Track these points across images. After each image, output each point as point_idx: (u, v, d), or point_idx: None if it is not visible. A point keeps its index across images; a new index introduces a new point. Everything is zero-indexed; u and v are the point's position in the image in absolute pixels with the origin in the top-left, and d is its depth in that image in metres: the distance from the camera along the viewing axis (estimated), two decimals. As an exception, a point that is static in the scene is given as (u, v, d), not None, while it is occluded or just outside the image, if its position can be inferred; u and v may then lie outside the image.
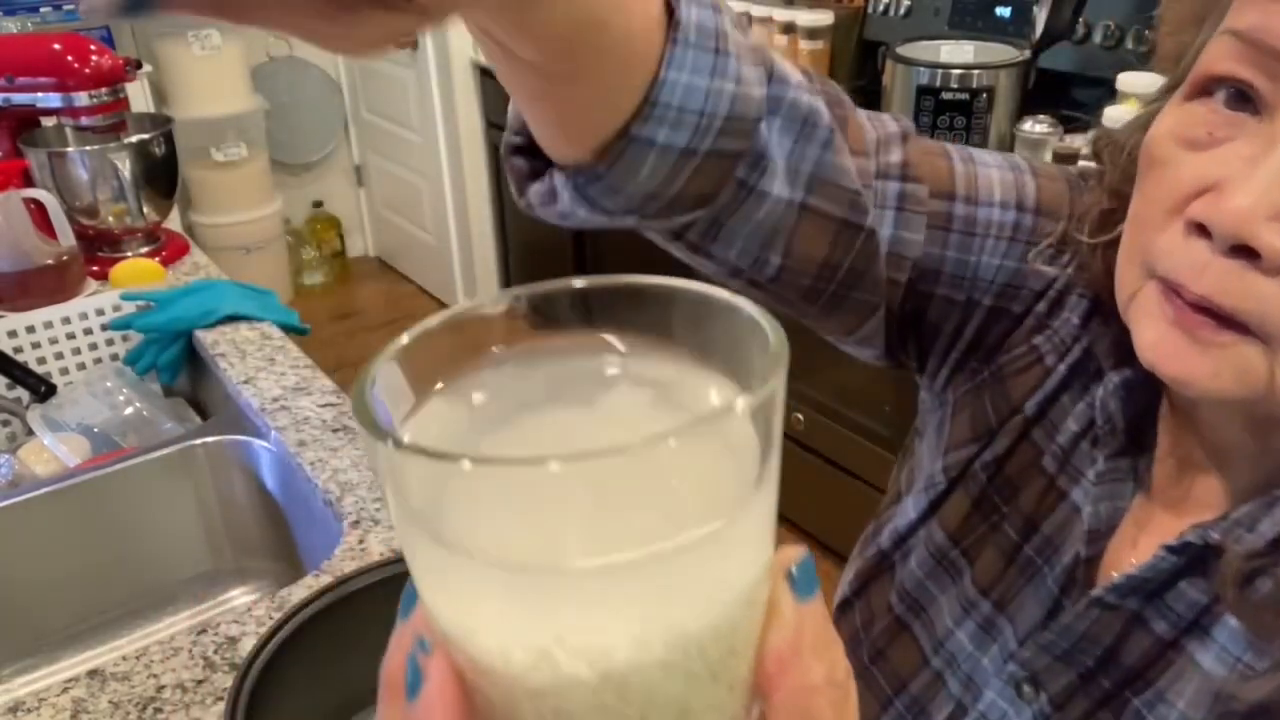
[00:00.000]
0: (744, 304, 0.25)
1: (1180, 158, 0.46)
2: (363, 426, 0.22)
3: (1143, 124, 0.51)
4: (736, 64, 0.45)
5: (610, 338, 0.27)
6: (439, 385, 0.26)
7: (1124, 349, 0.51)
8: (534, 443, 0.26)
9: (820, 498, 2.23)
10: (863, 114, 0.57)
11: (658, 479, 0.22)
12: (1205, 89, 0.46)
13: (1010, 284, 0.59)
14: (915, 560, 0.63)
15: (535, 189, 0.48)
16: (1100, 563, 0.55)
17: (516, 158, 0.49)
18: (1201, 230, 0.44)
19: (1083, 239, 0.55)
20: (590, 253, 2.91)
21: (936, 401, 0.66)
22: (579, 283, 0.26)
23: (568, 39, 0.38)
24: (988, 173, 0.59)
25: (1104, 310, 0.55)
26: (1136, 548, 0.54)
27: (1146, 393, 0.54)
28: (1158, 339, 0.46)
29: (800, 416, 2.16)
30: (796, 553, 0.26)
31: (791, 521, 2.35)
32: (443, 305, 3.48)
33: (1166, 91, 0.51)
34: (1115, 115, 1.75)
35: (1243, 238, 0.41)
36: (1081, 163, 0.62)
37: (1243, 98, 0.44)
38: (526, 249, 3.29)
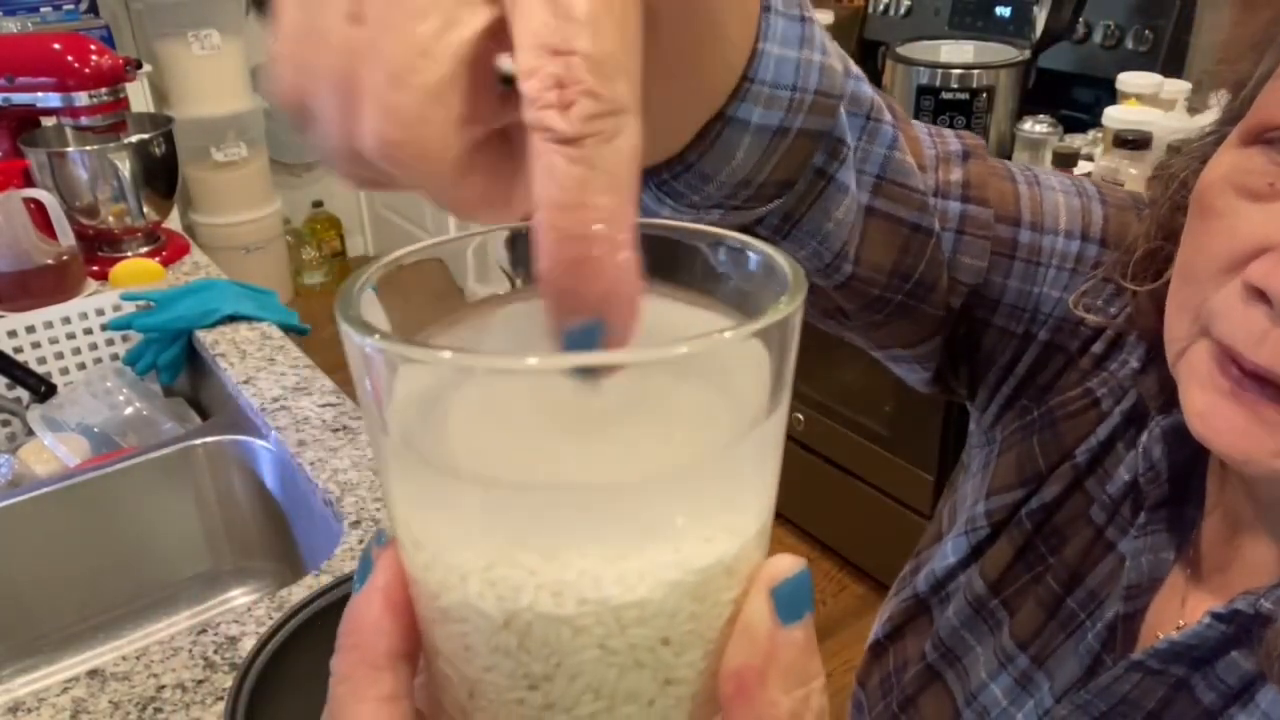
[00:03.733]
0: (756, 244, 0.24)
1: (1237, 209, 0.43)
2: (348, 324, 0.20)
3: (1199, 154, 0.48)
4: (820, 32, 0.42)
5: None
6: (419, 326, 0.25)
7: (1171, 392, 0.48)
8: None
9: (820, 498, 2.23)
10: (921, 128, 0.54)
11: (642, 404, 0.20)
12: (1263, 137, 0.43)
13: (1068, 319, 0.56)
14: (953, 608, 0.61)
15: None
16: (1144, 620, 0.52)
17: None
18: (1260, 295, 0.41)
19: (1128, 286, 0.52)
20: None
21: (985, 438, 0.63)
22: None
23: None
24: (1053, 197, 0.56)
25: (1157, 353, 0.52)
26: (1185, 607, 0.51)
27: (1194, 440, 0.49)
28: (1208, 409, 0.43)
29: (800, 416, 2.16)
30: (790, 566, 0.22)
31: (791, 522, 2.36)
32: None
33: (1226, 123, 0.48)
34: (1115, 115, 1.76)
35: None
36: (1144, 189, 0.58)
37: None
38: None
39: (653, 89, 0.26)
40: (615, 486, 0.21)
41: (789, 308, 0.21)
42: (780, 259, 0.23)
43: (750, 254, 0.24)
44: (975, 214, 0.54)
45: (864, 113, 0.47)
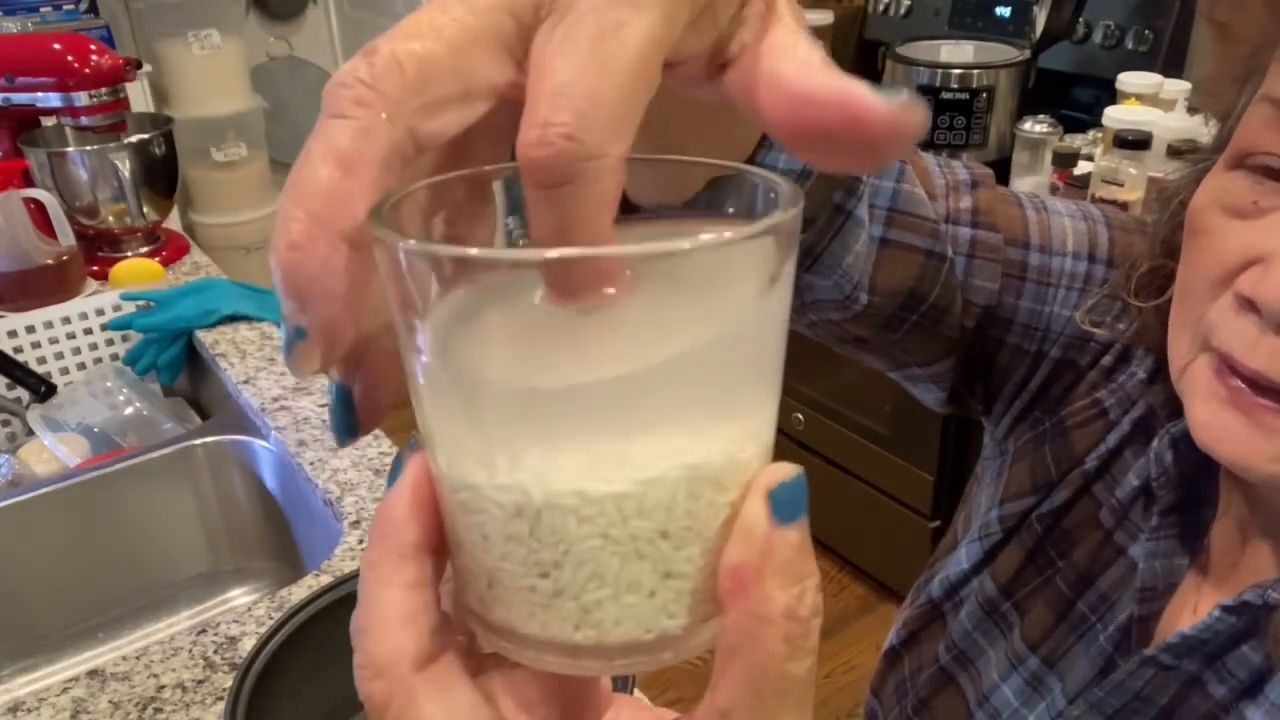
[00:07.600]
0: (752, 170, 0.25)
1: (1225, 227, 0.45)
2: (380, 230, 0.21)
3: (1194, 175, 0.50)
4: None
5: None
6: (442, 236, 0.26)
7: (1179, 401, 0.49)
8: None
9: (820, 498, 2.22)
10: (929, 159, 0.56)
11: (644, 307, 0.22)
12: (1244, 162, 0.45)
13: (1078, 336, 0.58)
14: (965, 611, 0.62)
15: None
16: (1157, 623, 0.53)
17: None
18: (1251, 305, 0.42)
19: (1133, 302, 0.53)
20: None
21: (997, 449, 0.65)
22: None
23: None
24: (1060, 221, 0.58)
25: (1164, 365, 0.53)
26: (1197, 612, 0.52)
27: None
28: (1210, 419, 0.44)
29: (800, 416, 2.16)
30: (788, 471, 0.23)
31: (791, 521, 2.35)
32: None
33: (1215, 150, 0.49)
34: (1115, 115, 1.75)
35: None
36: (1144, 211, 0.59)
37: None
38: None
39: (680, 138, 0.27)
40: (615, 384, 0.22)
41: (785, 214, 0.22)
42: (779, 179, 0.24)
43: (747, 179, 0.25)
44: (985, 238, 0.56)
45: None
